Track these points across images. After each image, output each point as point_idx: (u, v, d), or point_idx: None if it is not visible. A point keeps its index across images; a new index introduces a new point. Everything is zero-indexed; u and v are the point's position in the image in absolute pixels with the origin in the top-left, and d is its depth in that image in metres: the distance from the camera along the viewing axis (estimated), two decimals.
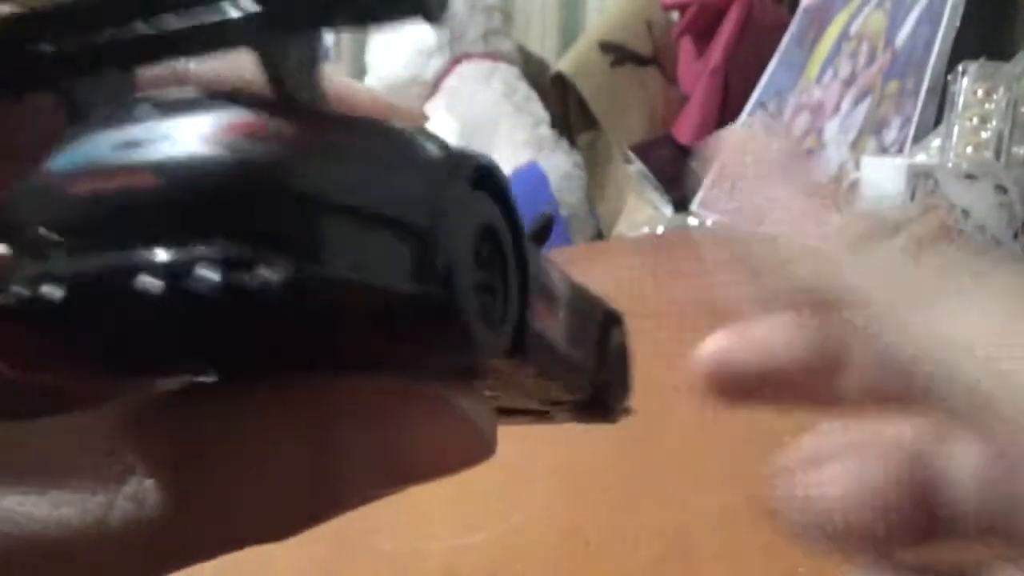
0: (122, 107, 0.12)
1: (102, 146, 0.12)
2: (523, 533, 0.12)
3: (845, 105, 1.06)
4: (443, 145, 0.12)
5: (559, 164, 1.36)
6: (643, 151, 1.30)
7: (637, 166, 1.29)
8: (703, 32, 1.35)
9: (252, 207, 0.11)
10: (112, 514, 0.12)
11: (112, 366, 0.13)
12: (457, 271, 0.11)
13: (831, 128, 1.07)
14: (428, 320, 0.11)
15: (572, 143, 1.45)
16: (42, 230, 0.11)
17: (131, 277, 0.10)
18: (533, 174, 1.30)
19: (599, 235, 1.36)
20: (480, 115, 1.44)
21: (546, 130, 1.43)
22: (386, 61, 1.57)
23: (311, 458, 0.12)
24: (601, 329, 0.18)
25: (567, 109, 1.49)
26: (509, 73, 1.52)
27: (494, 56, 1.53)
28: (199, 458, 0.12)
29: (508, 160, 1.30)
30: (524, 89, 1.50)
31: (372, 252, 0.11)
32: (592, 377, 0.17)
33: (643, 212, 1.27)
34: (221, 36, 0.12)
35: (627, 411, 0.20)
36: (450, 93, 1.48)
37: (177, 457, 0.12)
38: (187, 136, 0.11)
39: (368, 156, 0.12)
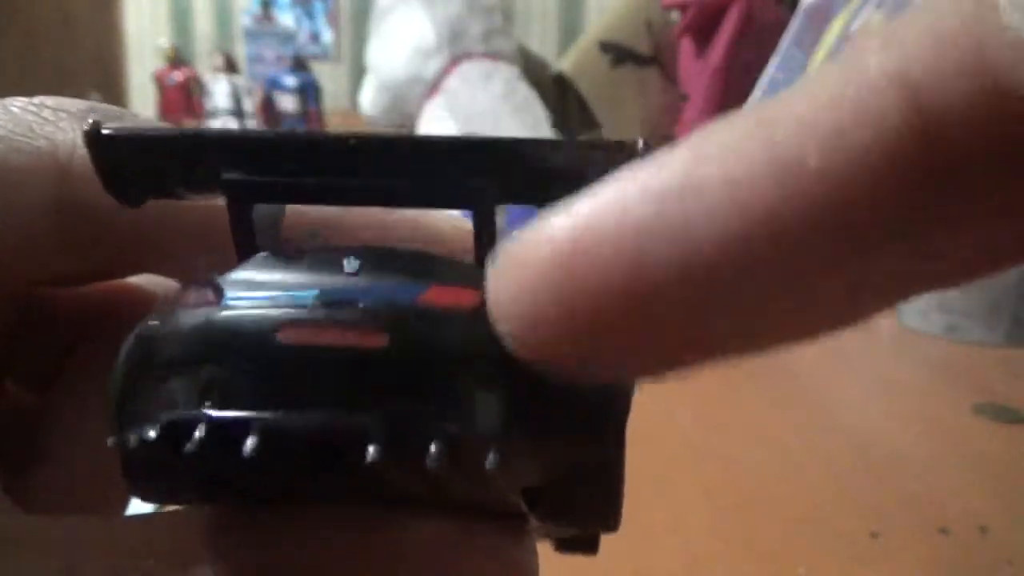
0: (321, 251, 0.12)
1: (307, 293, 0.11)
2: None
3: None
4: None
5: None
6: None
7: None
8: (703, 32, 1.35)
9: (494, 386, 0.10)
10: None
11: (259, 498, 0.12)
12: (623, 447, 0.11)
13: None
14: (596, 480, 0.12)
15: None
16: (226, 372, 0.10)
17: (357, 443, 0.10)
18: None
19: None
20: (480, 115, 1.43)
21: (546, 130, 1.44)
22: (386, 61, 1.57)
23: None
24: None
25: (567, 109, 1.50)
26: (509, 73, 1.52)
27: (494, 56, 1.53)
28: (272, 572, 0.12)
29: None
30: (524, 89, 1.50)
31: (574, 431, 0.11)
32: None
33: None
34: (444, 195, 0.12)
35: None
36: (450, 93, 1.48)
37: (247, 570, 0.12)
38: (420, 300, 0.11)
39: None
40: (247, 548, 0.12)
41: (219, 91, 3.73)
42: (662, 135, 1.35)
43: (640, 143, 0.11)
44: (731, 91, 1.28)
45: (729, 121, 0.09)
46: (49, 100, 0.15)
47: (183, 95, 3.76)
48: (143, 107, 3.89)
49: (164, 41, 3.96)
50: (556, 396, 0.11)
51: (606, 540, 0.15)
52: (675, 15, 1.45)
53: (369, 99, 1.63)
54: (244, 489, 0.12)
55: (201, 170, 0.12)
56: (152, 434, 0.10)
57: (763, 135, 0.08)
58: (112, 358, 0.11)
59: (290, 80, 3.74)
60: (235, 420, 0.10)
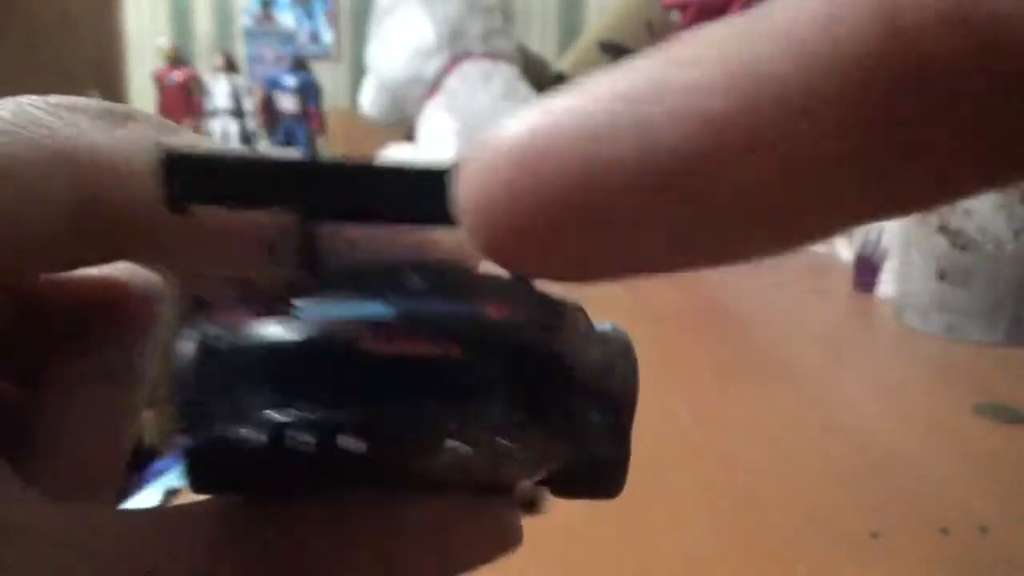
0: (382, 269, 0.13)
1: (385, 307, 0.12)
2: (525, 531, 0.12)
3: None
4: (592, 324, 0.14)
5: None
6: None
7: None
8: None
9: (549, 384, 0.12)
10: None
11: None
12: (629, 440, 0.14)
13: None
14: (607, 470, 0.14)
15: None
16: (323, 378, 0.11)
17: (441, 438, 0.11)
18: None
19: None
20: (480, 115, 1.43)
21: None
22: (386, 61, 1.57)
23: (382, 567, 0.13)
24: None
25: None
26: (509, 73, 1.52)
27: (494, 56, 1.53)
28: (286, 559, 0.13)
29: None
30: (524, 89, 1.50)
31: (599, 427, 0.13)
32: None
33: None
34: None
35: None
36: (450, 93, 1.48)
37: (259, 560, 0.13)
38: (484, 314, 0.12)
39: (593, 342, 0.13)
40: (258, 535, 0.13)
41: (219, 91, 3.73)
42: None
43: None
44: None
45: (706, 28, 0.09)
46: (65, 99, 0.15)
47: (183, 95, 3.76)
48: (143, 107, 3.88)
49: (164, 41, 3.96)
50: (583, 394, 0.13)
51: (607, 539, 0.15)
52: (675, 15, 1.45)
53: (369, 99, 1.63)
54: (314, 480, 0.13)
55: (268, 193, 0.13)
56: (244, 434, 0.11)
57: (736, 43, 0.08)
58: (99, 353, 0.12)
59: (290, 80, 3.74)
60: (336, 423, 0.11)
